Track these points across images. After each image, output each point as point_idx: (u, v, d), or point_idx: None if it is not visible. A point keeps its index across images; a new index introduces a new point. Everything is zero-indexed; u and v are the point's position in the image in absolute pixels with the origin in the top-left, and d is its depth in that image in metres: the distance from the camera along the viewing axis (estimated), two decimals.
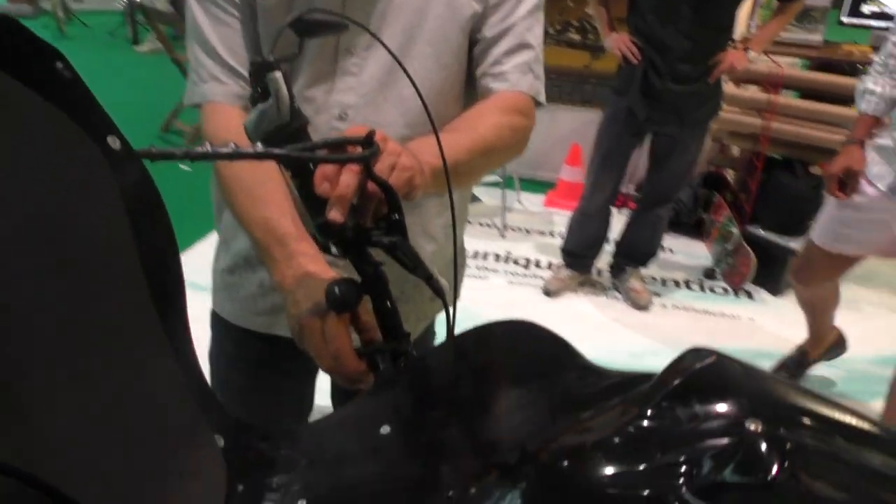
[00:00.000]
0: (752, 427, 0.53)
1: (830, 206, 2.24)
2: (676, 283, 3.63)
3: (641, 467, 0.56)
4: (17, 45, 0.51)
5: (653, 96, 2.88)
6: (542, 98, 1.13)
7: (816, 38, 3.75)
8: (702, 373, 0.60)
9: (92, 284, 0.56)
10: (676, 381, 0.60)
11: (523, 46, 1.10)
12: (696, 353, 0.62)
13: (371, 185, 0.80)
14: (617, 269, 3.44)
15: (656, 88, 2.85)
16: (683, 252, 3.97)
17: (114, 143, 0.59)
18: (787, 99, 3.67)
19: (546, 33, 4.50)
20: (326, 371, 0.88)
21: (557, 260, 3.54)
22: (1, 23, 0.50)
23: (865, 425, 0.56)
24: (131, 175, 0.61)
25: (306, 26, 0.79)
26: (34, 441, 0.47)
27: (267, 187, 1.03)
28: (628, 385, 0.65)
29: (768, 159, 3.68)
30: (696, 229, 4.12)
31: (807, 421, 0.56)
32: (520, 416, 0.68)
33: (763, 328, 3.26)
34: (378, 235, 0.82)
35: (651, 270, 3.54)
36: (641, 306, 3.27)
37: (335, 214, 0.77)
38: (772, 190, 3.62)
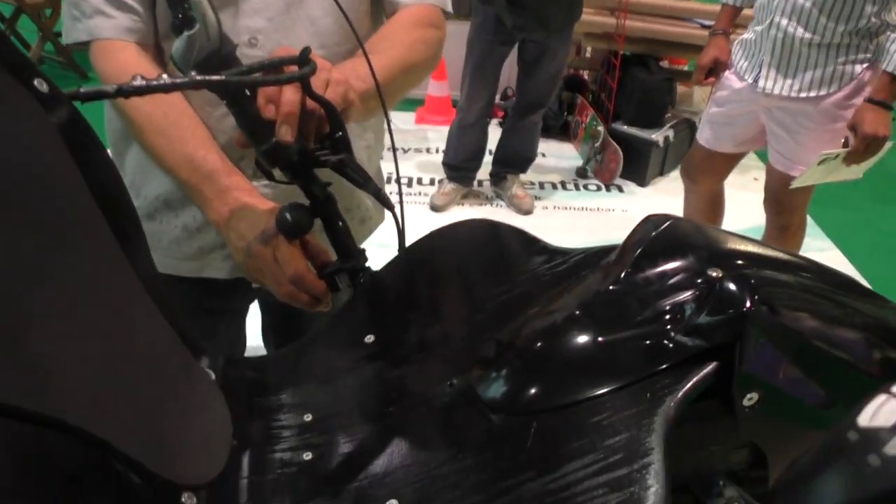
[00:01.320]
0: (714, 274, 0.61)
1: (708, 107, 2.40)
2: (553, 185, 3.79)
3: (625, 327, 0.62)
4: None
5: (517, 3, 2.92)
6: (449, 7, 1.14)
7: None
8: (661, 236, 0.67)
9: (52, 226, 0.54)
10: (639, 248, 0.66)
11: None
12: (652, 221, 0.68)
13: (311, 104, 0.79)
14: (497, 177, 3.54)
15: None
16: (555, 155, 4.13)
17: (41, 85, 0.56)
18: None
19: None
20: (285, 298, 0.88)
21: (439, 175, 3.59)
22: None
23: (810, 264, 0.65)
24: (64, 116, 0.58)
25: None
26: (50, 385, 0.46)
27: (183, 124, 0.99)
28: (594, 259, 0.71)
29: (623, 57, 3.85)
30: (563, 131, 4.29)
31: (762, 262, 0.64)
32: (496, 303, 0.72)
33: (636, 218, 3.47)
34: (325, 155, 0.82)
35: (528, 175, 3.67)
36: (525, 211, 3.41)
37: (286, 133, 0.76)
38: (629, 86, 3.81)
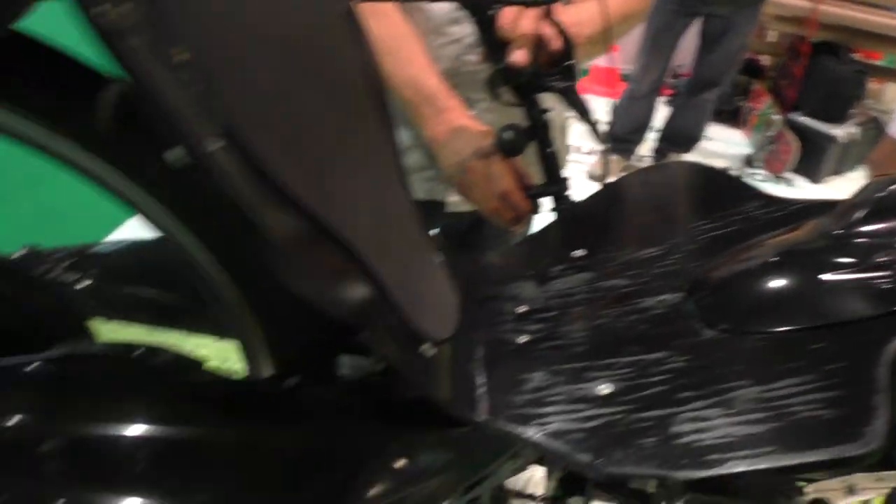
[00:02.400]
0: None
1: None
2: None
3: (849, 270, 0.63)
4: None
5: None
6: None
7: None
8: (886, 198, 0.66)
9: (347, 104, 0.62)
10: (867, 201, 0.66)
11: None
12: (878, 181, 0.68)
13: (547, 33, 0.84)
14: (660, 154, 3.47)
15: None
16: (722, 140, 3.98)
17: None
18: None
19: None
20: (490, 213, 0.94)
21: (598, 146, 3.57)
22: None
23: None
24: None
25: None
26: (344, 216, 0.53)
27: (409, 48, 1.06)
28: (815, 210, 0.72)
29: (811, 44, 3.63)
30: (733, 117, 4.12)
31: None
32: (708, 237, 0.75)
33: None
34: (552, 81, 0.87)
35: (691, 156, 3.57)
36: None
37: (520, 55, 0.81)
38: (814, 76, 3.59)
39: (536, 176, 0.96)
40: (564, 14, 0.88)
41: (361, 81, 0.68)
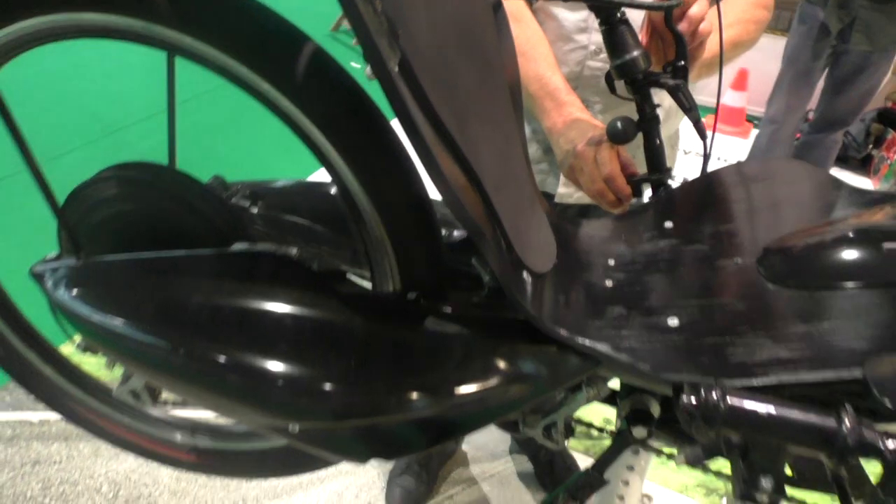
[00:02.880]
0: None
1: None
2: None
3: None
4: None
5: (847, 7, 2.82)
6: None
7: None
8: None
9: (486, 72, 0.77)
10: None
11: None
12: None
13: (667, 33, 0.96)
14: None
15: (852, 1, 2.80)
16: None
17: None
18: None
19: None
20: (594, 194, 1.07)
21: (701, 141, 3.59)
22: None
23: None
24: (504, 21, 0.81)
25: None
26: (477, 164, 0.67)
27: (539, 49, 1.20)
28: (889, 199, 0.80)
29: None
30: (863, 165, 4.01)
31: None
32: (787, 223, 0.84)
33: None
34: (665, 78, 0.98)
35: None
36: None
37: (642, 56, 0.95)
38: None
39: (641, 165, 1.07)
40: (705, 23, 0.99)
41: (501, 64, 0.84)
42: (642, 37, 1.01)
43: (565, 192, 1.29)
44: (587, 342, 0.70)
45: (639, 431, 0.81)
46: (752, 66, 4.35)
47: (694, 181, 1.00)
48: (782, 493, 0.60)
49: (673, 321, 0.71)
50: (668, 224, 0.89)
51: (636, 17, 1.02)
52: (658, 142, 1.04)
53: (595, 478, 0.90)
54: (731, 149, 4.29)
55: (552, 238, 0.85)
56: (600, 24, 0.98)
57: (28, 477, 1.85)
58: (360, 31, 0.51)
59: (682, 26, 0.96)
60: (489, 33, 0.84)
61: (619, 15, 0.96)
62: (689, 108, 1.00)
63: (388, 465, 1.95)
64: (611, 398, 0.86)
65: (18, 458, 1.90)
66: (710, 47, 1.03)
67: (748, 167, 0.96)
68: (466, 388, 0.72)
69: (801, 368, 0.60)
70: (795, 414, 0.57)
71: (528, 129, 1.26)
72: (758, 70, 4.36)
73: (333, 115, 0.69)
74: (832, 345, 0.62)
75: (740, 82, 4.39)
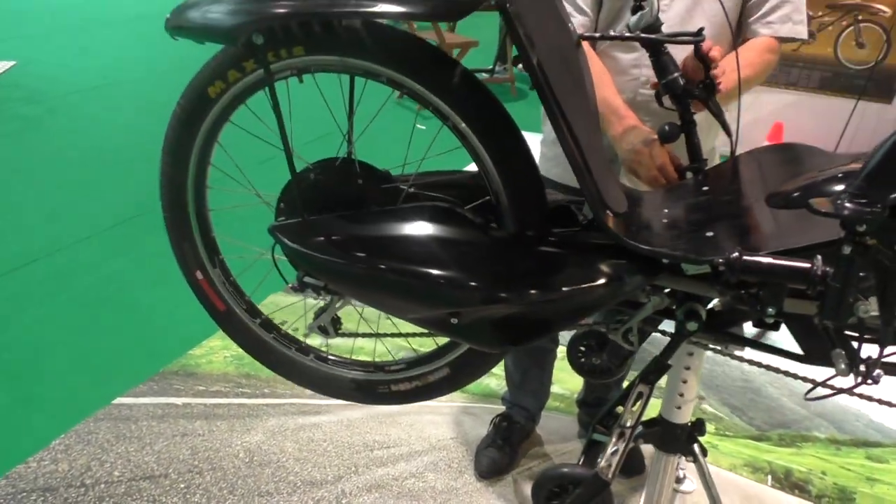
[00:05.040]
0: None
1: None
2: None
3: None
4: None
5: None
6: (805, 35, 1.64)
7: None
8: None
9: (578, 81, 1.18)
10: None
11: (785, 2, 1.62)
12: None
13: (695, 61, 1.36)
14: None
15: None
16: None
17: (571, 24, 1.21)
18: None
19: None
20: (649, 181, 1.46)
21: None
22: None
23: None
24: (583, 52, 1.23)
25: None
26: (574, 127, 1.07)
27: (605, 79, 1.62)
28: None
29: None
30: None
31: None
32: (797, 174, 1.20)
33: None
34: (699, 92, 1.38)
35: None
36: None
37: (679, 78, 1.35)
38: None
39: (685, 159, 1.46)
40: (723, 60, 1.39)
41: (585, 79, 1.25)
42: (681, 63, 1.41)
43: (627, 183, 1.68)
44: (655, 248, 1.08)
45: (691, 325, 1.17)
46: (787, 120, 4.73)
47: (720, 164, 1.38)
48: (782, 315, 0.97)
49: (709, 233, 1.08)
50: (705, 188, 1.27)
51: (677, 52, 1.42)
52: (696, 140, 1.43)
53: (661, 363, 1.25)
54: None
55: (622, 193, 1.24)
56: (650, 55, 1.39)
57: (179, 445, 2.25)
58: (518, 41, 0.93)
59: (712, 54, 1.36)
60: (578, 57, 1.25)
61: (662, 48, 1.37)
62: (717, 113, 1.39)
63: (475, 442, 2.30)
64: (669, 313, 1.23)
65: (169, 431, 2.31)
66: (728, 84, 1.42)
67: (760, 152, 1.34)
68: (568, 287, 1.10)
69: (786, 244, 0.97)
70: (783, 263, 0.93)
71: None
72: (791, 124, 4.74)
73: (473, 109, 1.10)
74: (803, 230, 0.99)
75: (776, 135, 4.75)
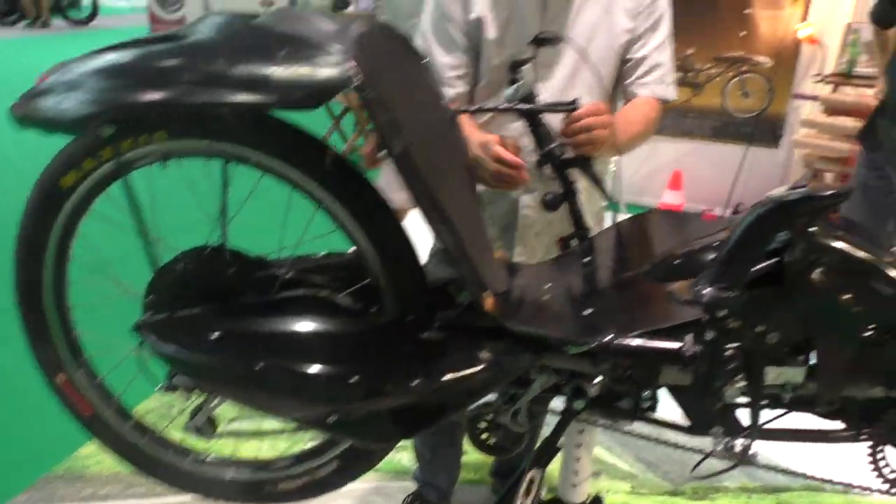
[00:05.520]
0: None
1: None
2: None
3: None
4: (415, 48, 1.13)
5: None
6: (674, 96, 1.69)
7: None
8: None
9: (453, 156, 1.16)
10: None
11: (659, 65, 1.67)
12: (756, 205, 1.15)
13: (573, 129, 1.37)
14: None
15: None
16: None
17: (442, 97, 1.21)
18: None
19: None
20: (496, 181, 1.42)
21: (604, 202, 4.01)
22: (409, 39, 1.12)
23: None
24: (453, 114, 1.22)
25: (541, 42, 1.39)
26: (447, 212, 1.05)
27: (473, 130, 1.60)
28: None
29: None
30: None
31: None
32: (661, 258, 1.21)
33: None
34: (575, 160, 1.39)
35: None
36: None
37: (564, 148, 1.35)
38: None
39: (568, 227, 1.45)
40: (600, 119, 1.39)
41: (462, 153, 1.23)
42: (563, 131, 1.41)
43: (520, 260, 1.67)
44: (536, 329, 1.05)
45: (578, 404, 1.15)
46: (685, 168, 4.92)
47: (601, 232, 1.39)
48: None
49: (588, 311, 1.07)
50: (586, 259, 1.27)
51: (555, 120, 1.43)
52: (578, 208, 1.43)
53: (551, 445, 1.22)
54: None
55: (503, 269, 1.21)
56: (528, 126, 1.39)
57: None
58: (380, 128, 0.90)
59: (591, 120, 1.36)
60: (451, 131, 1.24)
61: (539, 118, 1.38)
62: (596, 180, 1.40)
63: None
64: (556, 389, 1.20)
65: None
66: (611, 139, 1.43)
67: (637, 219, 1.35)
68: (452, 374, 1.06)
69: (660, 322, 0.96)
70: (654, 345, 0.92)
71: (486, 214, 1.65)
72: (689, 172, 4.92)
73: (346, 191, 1.06)
74: (678, 308, 0.99)
75: (675, 182, 4.92)
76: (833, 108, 4.30)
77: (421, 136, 1.03)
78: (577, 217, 1.43)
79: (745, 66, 4.80)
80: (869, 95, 4.15)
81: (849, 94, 4.19)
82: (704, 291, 0.85)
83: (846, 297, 0.90)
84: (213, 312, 1.13)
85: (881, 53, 3.20)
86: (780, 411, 1.03)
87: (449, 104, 1.40)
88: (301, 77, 0.89)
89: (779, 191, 0.88)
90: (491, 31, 1.63)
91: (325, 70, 0.88)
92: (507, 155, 1.41)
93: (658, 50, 1.67)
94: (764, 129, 4.83)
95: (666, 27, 1.69)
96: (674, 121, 5.07)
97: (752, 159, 4.80)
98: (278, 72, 0.89)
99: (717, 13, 4.74)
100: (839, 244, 0.92)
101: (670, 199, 4.98)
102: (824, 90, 4.43)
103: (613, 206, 1.48)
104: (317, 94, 0.91)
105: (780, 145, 4.85)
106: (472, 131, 1.54)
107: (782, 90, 4.75)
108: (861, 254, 0.91)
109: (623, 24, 1.64)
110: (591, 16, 1.63)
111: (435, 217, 1.00)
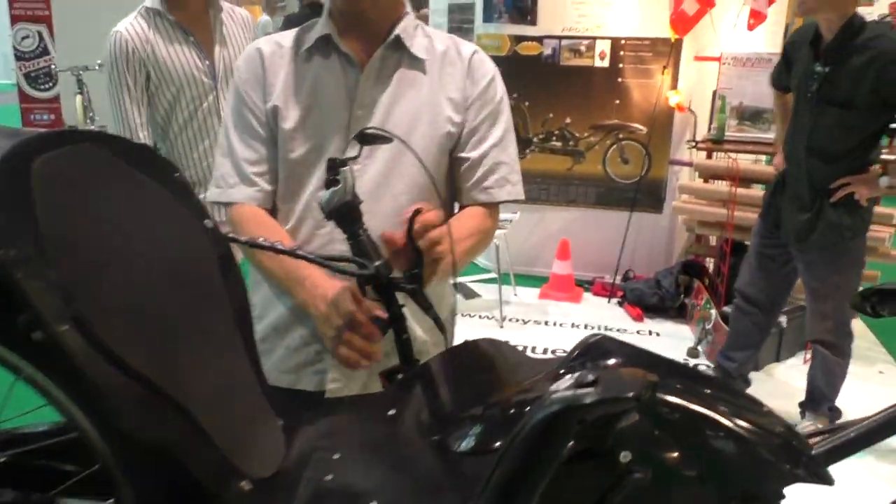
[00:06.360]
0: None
1: None
2: None
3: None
4: (151, 159, 0.88)
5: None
6: (522, 196, 1.50)
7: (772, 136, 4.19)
8: (591, 345, 0.92)
9: (204, 308, 0.90)
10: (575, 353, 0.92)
11: (500, 164, 1.48)
12: (588, 338, 0.94)
13: (396, 250, 1.13)
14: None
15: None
16: (669, 334, 4.28)
17: (208, 224, 0.95)
18: (746, 190, 4.07)
19: (531, 141, 4.93)
20: (341, 351, 1.18)
21: (553, 346, 3.85)
22: (143, 149, 0.87)
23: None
24: (222, 247, 0.97)
25: (365, 138, 1.16)
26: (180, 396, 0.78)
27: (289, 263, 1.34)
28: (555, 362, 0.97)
29: (736, 244, 4.03)
30: (680, 313, 4.44)
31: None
32: (478, 400, 0.98)
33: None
34: (403, 283, 1.15)
35: None
36: None
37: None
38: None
39: (395, 358, 1.20)
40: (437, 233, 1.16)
41: (225, 293, 0.97)
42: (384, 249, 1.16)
43: (335, 387, 1.40)
44: None
45: None
46: (572, 236, 4.83)
47: (424, 365, 1.15)
48: None
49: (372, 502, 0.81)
50: (391, 412, 1.01)
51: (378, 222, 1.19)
52: (405, 336, 1.19)
53: None
54: (567, 314, 4.63)
55: (280, 443, 0.94)
56: (347, 239, 1.15)
57: None
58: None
59: (422, 243, 1.13)
60: (212, 272, 0.97)
61: (360, 231, 1.13)
62: (427, 307, 1.16)
63: None
64: None
65: None
66: (447, 257, 1.20)
67: (459, 352, 1.12)
68: None
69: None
70: None
71: (290, 337, 1.39)
72: (577, 239, 4.84)
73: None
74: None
75: (564, 252, 4.82)
76: (708, 174, 4.32)
77: (127, 291, 0.77)
78: (403, 346, 1.19)
79: (621, 134, 4.81)
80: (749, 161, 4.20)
81: (721, 159, 4.22)
82: None
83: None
84: None
85: (781, 119, 3.20)
86: None
87: (222, 225, 1.13)
88: None
89: (565, 382, 0.66)
90: (288, 121, 1.40)
91: None
92: (366, 321, 1.15)
93: (498, 147, 1.48)
94: (647, 195, 4.82)
95: (504, 120, 1.51)
96: (559, 189, 5.01)
97: (638, 224, 4.77)
98: None
99: (592, 82, 4.75)
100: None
101: (559, 269, 4.87)
102: (699, 156, 4.45)
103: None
104: None
105: (663, 210, 4.84)
106: (313, 273, 1.27)
107: (660, 156, 4.77)
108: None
109: (447, 113, 1.44)
110: (409, 105, 1.43)
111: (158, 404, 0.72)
